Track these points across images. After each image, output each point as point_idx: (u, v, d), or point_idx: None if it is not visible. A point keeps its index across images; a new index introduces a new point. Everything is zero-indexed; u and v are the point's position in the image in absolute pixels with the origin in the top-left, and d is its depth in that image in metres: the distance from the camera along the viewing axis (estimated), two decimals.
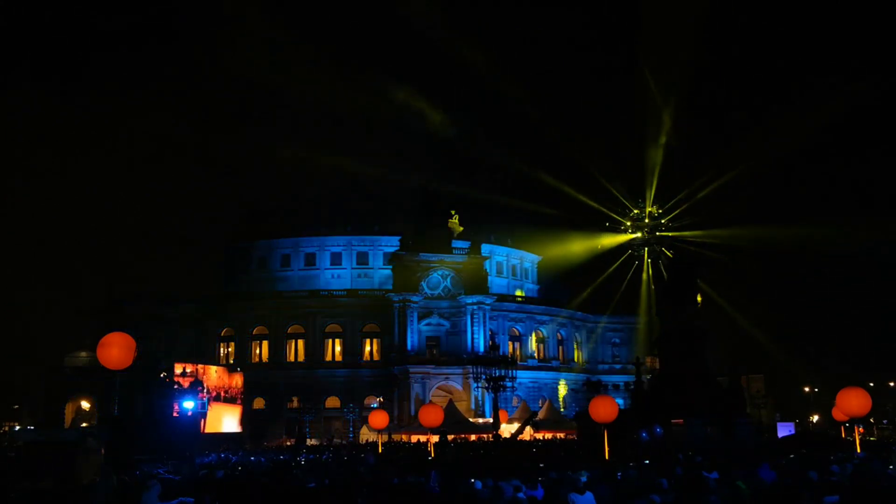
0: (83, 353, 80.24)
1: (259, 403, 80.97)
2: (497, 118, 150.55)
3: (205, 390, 67.20)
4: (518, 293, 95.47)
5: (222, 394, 70.26)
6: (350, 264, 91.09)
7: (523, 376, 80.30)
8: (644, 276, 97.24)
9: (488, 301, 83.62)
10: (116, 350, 18.42)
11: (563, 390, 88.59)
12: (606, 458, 25.34)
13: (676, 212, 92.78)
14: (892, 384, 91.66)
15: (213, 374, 70.64)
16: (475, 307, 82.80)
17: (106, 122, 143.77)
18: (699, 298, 46.18)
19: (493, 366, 56.86)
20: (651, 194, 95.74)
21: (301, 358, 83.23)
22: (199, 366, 69.10)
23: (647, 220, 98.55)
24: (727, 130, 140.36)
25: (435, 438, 43.69)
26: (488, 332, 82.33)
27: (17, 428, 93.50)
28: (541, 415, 70.68)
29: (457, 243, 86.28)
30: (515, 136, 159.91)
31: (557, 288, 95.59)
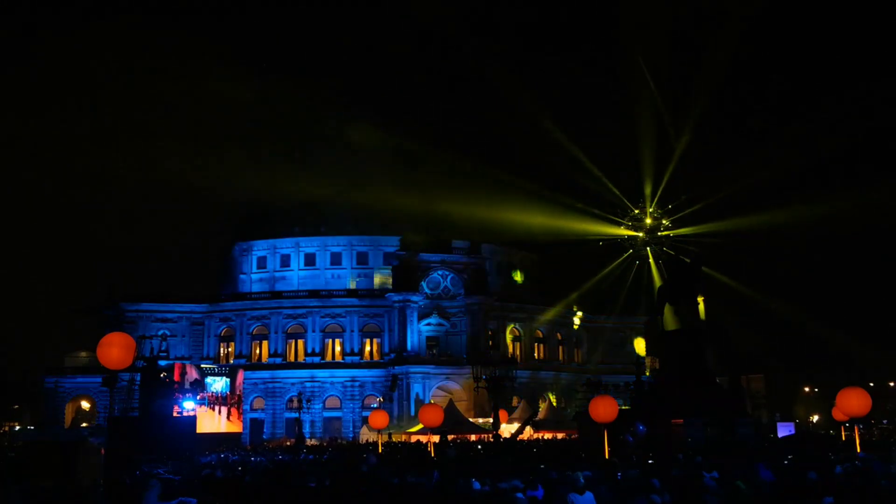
0: (83, 353, 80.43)
1: (259, 403, 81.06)
2: (496, 117, 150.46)
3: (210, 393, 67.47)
4: (518, 292, 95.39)
5: (228, 397, 70.67)
6: (350, 264, 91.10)
7: (523, 376, 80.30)
8: (649, 275, 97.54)
9: (488, 301, 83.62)
10: (116, 350, 18.44)
11: (562, 390, 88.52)
12: (606, 458, 25.33)
13: (680, 214, 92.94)
14: (892, 384, 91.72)
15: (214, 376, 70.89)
16: (475, 307, 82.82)
17: (106, 122, 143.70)
18: (701, 303, 46.08)
19: (493, 366, 56.94)
20: (651, 194, 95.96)
21: (301, 358, 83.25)
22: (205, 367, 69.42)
23: (648, 221, 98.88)
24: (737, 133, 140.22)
25: (435, 438, 43.68)
26: (488, 332, 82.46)
27: (17, 428, 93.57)
28: (541, 415, 70.67)
29: (457, 243, 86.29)
30: (515, 134, 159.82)
31: (558, 287, 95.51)
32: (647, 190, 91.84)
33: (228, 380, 71.68)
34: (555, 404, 77.69)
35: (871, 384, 75.47)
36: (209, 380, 70.26)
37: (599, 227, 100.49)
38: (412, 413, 74.18)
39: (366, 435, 67.70)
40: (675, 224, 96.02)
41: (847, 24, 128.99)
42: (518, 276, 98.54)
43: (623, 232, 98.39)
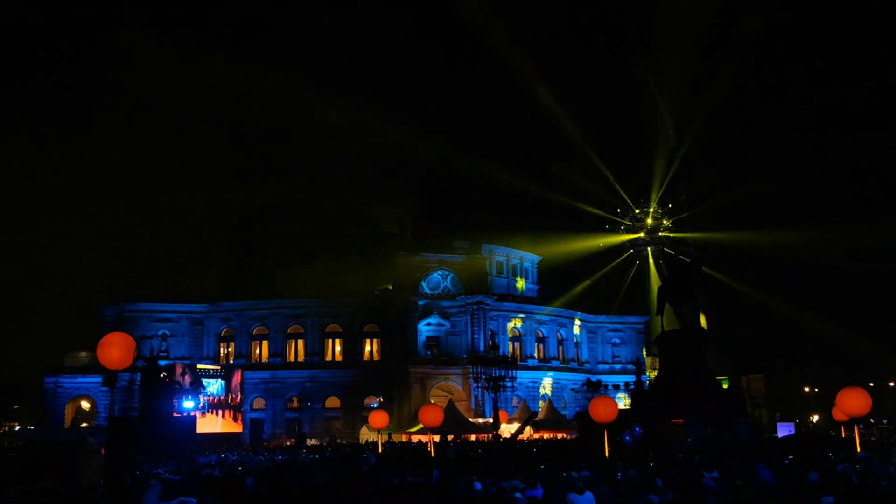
0: (83, 353, 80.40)
1: (259, 403, 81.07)
2: (498, 115, 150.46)
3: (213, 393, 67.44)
4: (518, 292, 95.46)
5: (230, 398, 70.81)
6: (350, 263, 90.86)
7: (523, 376, 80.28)
8: (649, 275, 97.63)
9: (488, 301, 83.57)
10: (116, 350, 18.43)
11: (562, 390, 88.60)
12: (606, 458, 25.34)
13: (681, 215, 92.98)
14: (892, 384, 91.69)
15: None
16: (475, 307, 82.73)
17: (107, 123, 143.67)
18: (702, 317, 45.98)
19: (493, 366, 56.89)
20: (656, 196, 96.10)
21: (301, 358, 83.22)
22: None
23: (649, 221, 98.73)
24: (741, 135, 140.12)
25: (436, 438, 43.61)
26: (488, 332, 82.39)
27: (17, 428, 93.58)
28: (541, 415, 70.67)
29: (457, 243, 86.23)
30: (517, 132, 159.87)
31: (558, 288, 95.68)
32: (654, 195, 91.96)
33: (224, 382, 71.70)
34: (554, 404, 77.70)
35: (871, 384, 75.42)
36: (205, 381, 70.32)
37: (600, 226, 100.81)
38: (412, 413, 74.12)
39: (366, 435, 67.69)
40: (676, 225, 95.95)
41: (854, 31, 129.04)
42: (518, 276, 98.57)
43: (623, 237, 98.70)
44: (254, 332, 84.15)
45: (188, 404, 60.76)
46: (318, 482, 18.49)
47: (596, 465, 21.10)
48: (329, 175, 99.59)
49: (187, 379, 66.19)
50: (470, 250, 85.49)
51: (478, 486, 14.97)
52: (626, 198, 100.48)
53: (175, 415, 54.46)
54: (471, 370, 66.99)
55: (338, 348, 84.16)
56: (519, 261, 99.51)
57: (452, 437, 53.96)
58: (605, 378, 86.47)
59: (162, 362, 66.30)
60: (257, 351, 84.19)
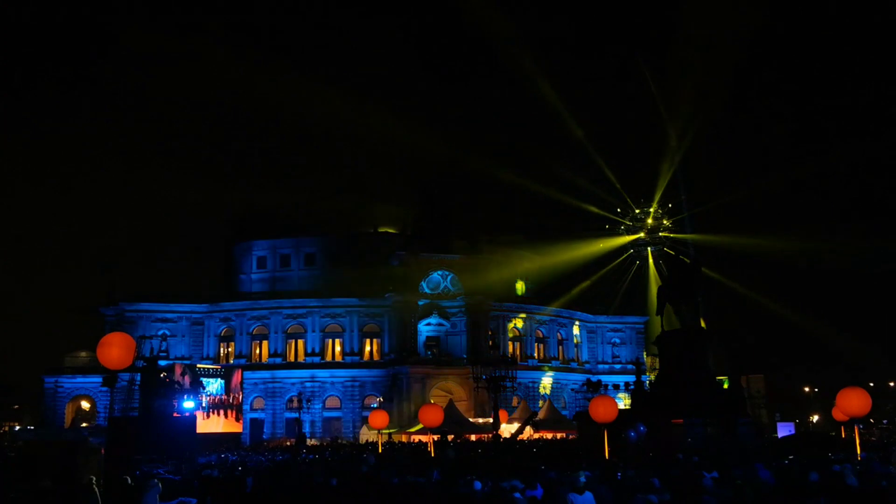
0: (83, 353, 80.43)
1: (259, 403, 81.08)
2: (499, 115, 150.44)
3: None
4: (518, 293, 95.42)
5: (231, 398, 70.77)
6: (350, 263, 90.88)
7: (523, 376, 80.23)
8: (649, 275, 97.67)
9: (488, 301, 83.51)
10: (116, 350, 18.42)
11: (562, 390, 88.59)
12: (606, 458, 25.32)
13: (681, 216, 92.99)
14: (892, 384, 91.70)
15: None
16: (475, 307, 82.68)
17: (108, 123, 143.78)
18: (702, 321, 45.83)
19: (493, 366, 56.82)
20: (656, 196, 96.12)
21: (301, 358, 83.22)
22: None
23: (649, 221, 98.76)
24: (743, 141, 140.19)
25: (436, 438, 43.60)
26: (488, 332, 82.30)
27: (17, 428, 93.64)
28: (541, 415, 70.63)
29: (457, 243, 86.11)
30: (518, 132, 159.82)
31: (557, 288, 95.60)
32: (654, 195, 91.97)
33: (224, 381, 71.68)
34: (554, 404, 77.69)
35: (871, 384, 75.45)
36: (205, 381, 70.32)
37: (600, 226, 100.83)
38: (412, 413, 74.11)
39: (366, 435, 67.70)
40: (676, 225, 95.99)
41: (856, 32, 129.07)
42: (518, 276, 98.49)
43: (623, 239, 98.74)
44: (254, 332, 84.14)
45: (188, 404, 60.69)
46: (318, 482, 18.50)
47: (596, 465, 21.10)
48: (329, 175, 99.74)
49: (187, 379, 66.09)
50: (470, 250, 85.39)
51: (478, 486, 14.96)
52: (627, 198, 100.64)
53: (175, 415, 54.39)
54: (471, 370, 66.96)
55: (338, 348, 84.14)
56: (519, 260, 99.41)
57: (452, 437, 53.95)
58: (605, 378, 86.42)
59: (162, 362, 66.31)
60: (257, 351, 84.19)
